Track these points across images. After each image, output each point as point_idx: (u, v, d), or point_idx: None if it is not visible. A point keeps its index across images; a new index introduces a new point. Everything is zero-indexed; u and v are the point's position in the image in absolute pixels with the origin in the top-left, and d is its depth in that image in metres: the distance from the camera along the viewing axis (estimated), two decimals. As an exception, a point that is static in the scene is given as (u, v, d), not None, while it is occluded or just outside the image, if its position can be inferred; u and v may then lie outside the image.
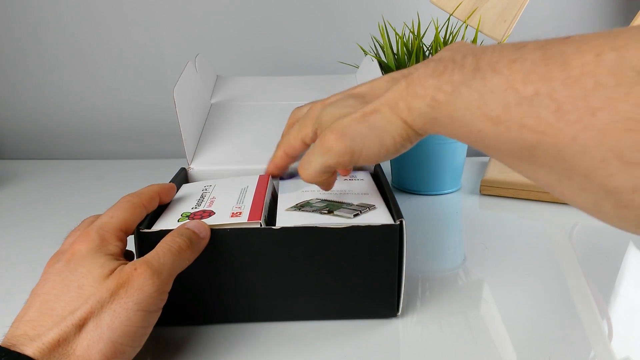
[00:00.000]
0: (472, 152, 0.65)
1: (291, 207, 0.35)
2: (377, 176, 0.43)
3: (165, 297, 0.28)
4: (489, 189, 0.59)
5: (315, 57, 0.79)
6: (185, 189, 0.40)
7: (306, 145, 0.35)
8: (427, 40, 0.58)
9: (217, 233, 0.32)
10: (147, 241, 0.31)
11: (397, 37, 0.54)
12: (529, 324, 0.35)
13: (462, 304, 0.37)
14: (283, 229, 0.32)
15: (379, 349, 0.32)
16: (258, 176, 0.41)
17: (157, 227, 0.33)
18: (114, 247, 0.29)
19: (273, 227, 0.32)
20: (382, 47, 0.56)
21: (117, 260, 0.28)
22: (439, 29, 0.53)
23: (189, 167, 0.46)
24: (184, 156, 0.46)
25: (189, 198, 0.38)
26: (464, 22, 0.54)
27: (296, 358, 0.32)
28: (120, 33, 0.79)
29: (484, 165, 0.69)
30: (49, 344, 0.24)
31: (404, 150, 0.30)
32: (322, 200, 0.36)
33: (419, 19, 0.55)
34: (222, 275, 0.33)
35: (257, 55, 0.80)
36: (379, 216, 0.33)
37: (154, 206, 0.34)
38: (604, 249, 0.46)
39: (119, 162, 0.77)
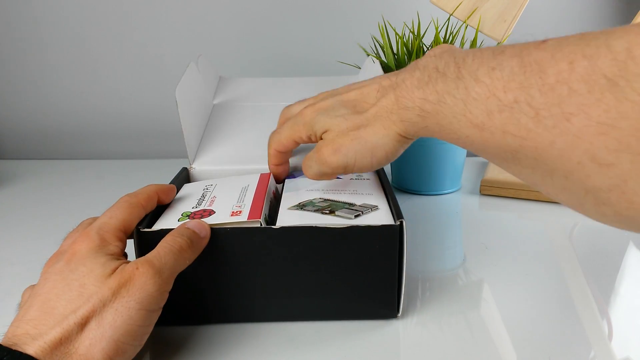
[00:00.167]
0: (472, 152, 0.65)
1: (293, 206, 0.35)
2: (378, 176, 0.43)
3: (166, 296, 0.28)
4: (489, 189, 0.59)
5: (315, 57, 0.79)
6: (186, 188, 0.41)
7: (298, 144, 0.38)
8: (427, 40, 0.58)
9: (216, 232, 0.32)
10: (147, 241, 0.31)
11: (397, 37, 0.54)
12: (529, 324, 0.35)
13: (462, 304, 0.37)
14: (282, 228, 0.32)
15: (379, 350, 0.32)
16: (259, 175, 0.41)
17: (157, 226, 0.33)
18: (114, 247, 0.29)
19: (273, 227, 0.32)
20: (382, 47, 0.56)
21: (118, 259, 0.28)
22: (439, 29, 0.53)
23: (191, 167, 0.46)
24: (185, 156, 0.46)
25: (189, 197, 0.38)
26: (464, 22, 0.54)
27: (296, 358, 0.32)
28: (121, 33, 0.79)
29: (484, 165, 0.69)
30: (51, 343, 0.24)
31: (396, 157, 0.33)
32: (324, 199, 0.36)
33: (419, 19, 0.55)
34: (222, 274, 0.33)
35: (257, 55, 0.80)
36: (380, 217, 0.33)
37: (152, 206, 0.34)
38: (604, 249, 0.46)
39: (119, 162, 0.77)
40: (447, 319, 0.35)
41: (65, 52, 0.79)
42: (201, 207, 0.35)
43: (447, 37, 0.54)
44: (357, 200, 0.36)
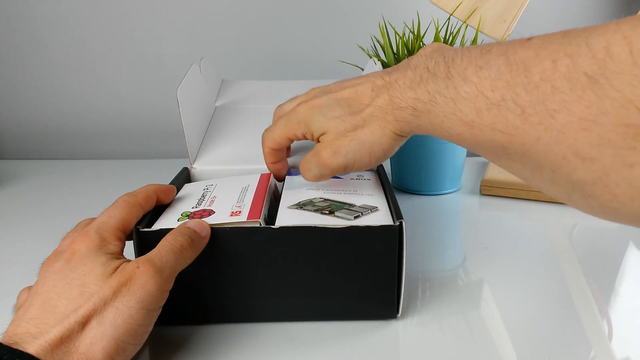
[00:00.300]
0: (472, 152, 0.65)
1: (293, 205, 0.35)
2: (379, 176, 0.43)
3: (167, 295, 0.28)
4: (489, 189, 0.59)
5: (315, 57, 0.79)
6: (187, 188, 0.41)
7: (292, 142, 0.38)
8: (428, 40, 0.58)
9: (216, 232, 0.32)
10: (146, 241, 0.31)
11: (398, 37, 0.54)
12: (529, 324, 0.35)
13: (462, 304, 0.37)
14: (282, 228, 0.32)
15: (379, 350, 0.32)
16: (259, 175, 0.41)
17: (157, 226, 0.33)
18: (113, 246, 0.29)
19: (272, 227, 0.32)
20: (382, 47, 0.56)
21: (118, 259, 0.28)
22: (439, 29, 0.53)
23: (192, 167, 0.46)
24: (186, 156, 0.46)
25: (190, 197, 0.38)
26: (464, 22, 0.54)
27: (296, 358, 0.32)
28: (121, 33, 0.79)
29: (484, 165, 0.69)
30: (52, 342, 0.24)
31: (393, 153, 0.34)
32: (324, 199, 0.36)
33: (419, 19, 0.55)
34: (221, 274, 0.33)
35: (258, 55, 0.80)
36: (380, 218, 0.33)
37: (151, 205, 0.34)
38: (604, 249, 0.46)
39: (119, 162, 0.77)
40: (447, 319, 0.35)
41: (65, 52, 0.79)
42: (201, 207, 0.35)
43: (447, 37, 0.54)
44: (357, 201, 0.36)
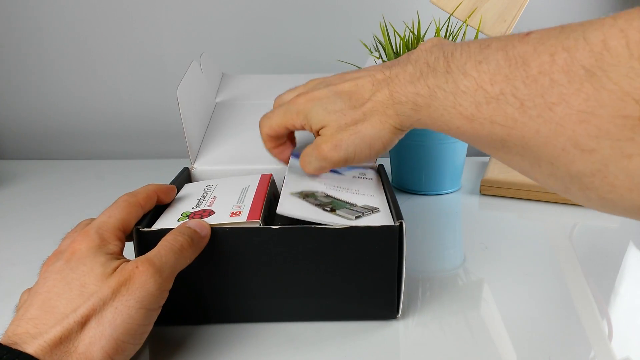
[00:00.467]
0: (472, 152, 0.65)
1: (296, 193, 0.35)
2: (379, 176, 0.43)
3: (166, 295, 0.28)
4: (489, 189, 0.59)
5: (315, 56, 0.79)
6: (187, 188, 0.41)
7: (289, 131, 0.39)
8: (427, 40, 0.58)
9: (216, 232, 0.32)
10: (146, 240, 0.31)
11: (399, 37, 0.54)
12: (529, 324, 0.35)
13: (462, 304, 0.37)
14: (282, 228, 0.32)
15: (379, 350, 0.32)
16: (260, 176, 0.41)
17: (157, 226, 0.33)
18: (113, 246, 0.29)
19: (272, 227, 0.32)
20: (383, 47, 0.56)
21: (118, 259, 0.28)
22: (439, 29, 0.53)
23: (192, 167, 0.46)
24: (186, 156, 0.46)
25: (190, 197, 0.38)
26: (464, 22, 0.54)
27: (296, 358, 0.31)
28: (121, 33, 0.79)
29: (484, 165, 0.69)
30: (51, 342, 0.24)
31: (392, 146, 0.34)
32: (327, 195, 0.36)
33: (419, 18, 0.55)
34: (221, 274, 0.33)
35: (258, 54, 0.80)
36: (380, 219, 0.33)
37: (151, 205, 0.34)
38: (604, 249, 0.46)
39: (119, 162, 0.77)
40: (447, 319, 0.35)
41: (65, 52, 0.79)
42: (201, 207, 0.35)
43: (447, 37, 0.54)
44: (359, 201, 0.36)
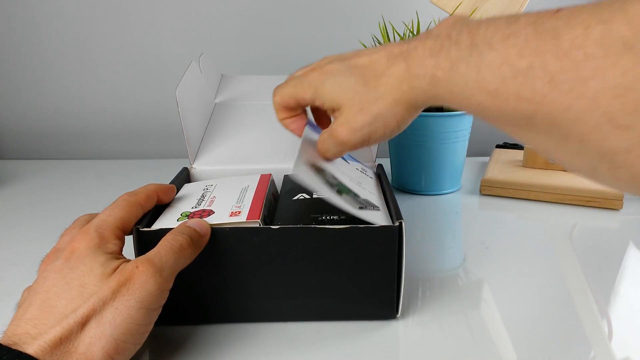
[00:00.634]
0: (472, 152, 0.65)
1: (310, 163, 0.34)
2: (379, 176, 0.43)
3: (166, 295, 0.28)
4: (489, 189, 0.59)
5: (315, 56, 0.78)
6: (186, 188, 0.41)
7: (299, 105, 0.37)
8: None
9: (216, 232, 0.32)
10: (146, 240, 0.31)
11: (399, 36, 0.54)
12: (529, 324, 0.35)
13: (462, 304, 0.37)
14: (282, 228, 0.32)
15: (379, 350, 0.32)
16: (259, 176, 0.41)
17: (156, 226, 0.33)
18: (113, 245, 0.29)
19: (271, 227, 0.32)
20: (382, 47, 0.56)
21: (117, 258, 0.28)
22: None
23: (192, 167, 0.46)
24: (185, 156, 0.46)
25: (189, 197, 0.38)
26: (464, 22, 0.54)
27: (296, 358, 0.31)
28: (121, 33, 0.79)
29: (484, 165, 0.69)
30: (51, 342, 0.24)
31: (407, 125, 0.33)
32: (335, 177, 0.35)
33: (419, 19, 0.55)
34: (221, 274, 0.33)
35: (258, 54, 0.80)
36: (380, 219, 0.33)
37: (151, 205, 0.34)
38: (604, 249, 0.46)
39: (119, 162, 0.77)
40: (447, 319, 0.35)
41: (65, 52, 0.79)
42: (200, 207, 0.35)
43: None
44: (361, 193, 0.36)
